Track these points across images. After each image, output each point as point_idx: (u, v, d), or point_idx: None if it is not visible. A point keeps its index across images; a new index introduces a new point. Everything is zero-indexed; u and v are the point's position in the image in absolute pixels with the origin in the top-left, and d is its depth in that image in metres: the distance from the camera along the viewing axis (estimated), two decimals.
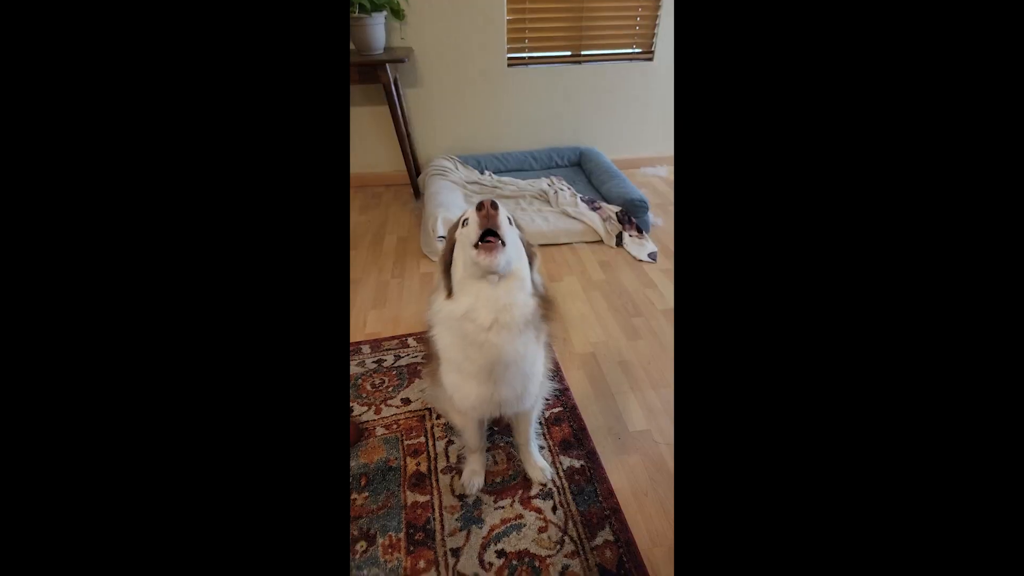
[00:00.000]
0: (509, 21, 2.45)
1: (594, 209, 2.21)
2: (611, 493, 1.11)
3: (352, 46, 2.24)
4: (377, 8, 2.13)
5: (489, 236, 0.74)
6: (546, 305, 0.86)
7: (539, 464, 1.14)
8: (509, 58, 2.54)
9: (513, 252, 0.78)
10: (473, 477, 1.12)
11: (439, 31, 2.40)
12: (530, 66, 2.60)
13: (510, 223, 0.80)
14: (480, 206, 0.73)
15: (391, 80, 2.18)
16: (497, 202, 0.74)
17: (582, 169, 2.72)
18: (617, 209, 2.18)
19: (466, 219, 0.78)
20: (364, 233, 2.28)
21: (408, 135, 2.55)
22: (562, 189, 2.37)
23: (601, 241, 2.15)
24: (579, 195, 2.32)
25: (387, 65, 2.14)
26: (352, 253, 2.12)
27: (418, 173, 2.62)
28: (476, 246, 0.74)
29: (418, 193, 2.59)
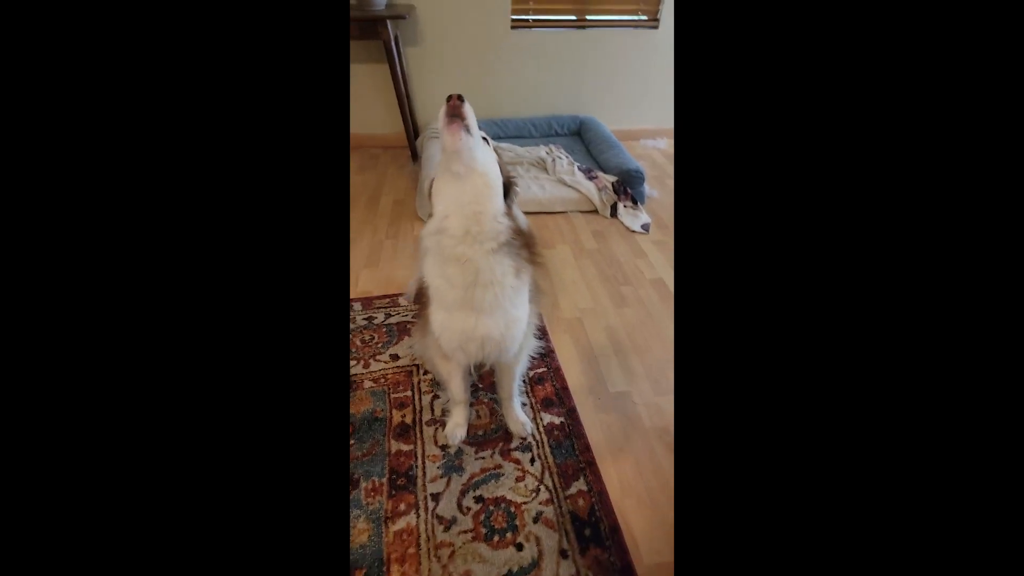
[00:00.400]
0: None
1: (591, 178, 2.20)
2: (587, 448, 1.16)
3: (352, 0, 2.17)
4: None
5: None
6: (525, 240, 0.88)
7: (520, 419, 1.18)
8: (513, 20, 2.47)
9: (481, 152, 0.81)
10: (456, 429, 1.16)
11: None
12: (534, 29, 2.53)
13: (486, 142, 0.84)
14: (449, 98, 0.77)
15: (392, 37, 2.12)
16: (464, 96, 0.77)
17: (581, 138, 2.68)
18: (613, 179, 2.17)
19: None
20: (360, 193, 2.27)
21: (408, 96, 2.50)
22: (560, 157, 2.34)
23: (596, 211, 2.15)
24: (576, 164, 2.30)
25: (388, 21, 2.08)
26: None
27: (416, 135, 2.58)
28: (444, 124, 0.77)
29: (416, 156, 2.56)
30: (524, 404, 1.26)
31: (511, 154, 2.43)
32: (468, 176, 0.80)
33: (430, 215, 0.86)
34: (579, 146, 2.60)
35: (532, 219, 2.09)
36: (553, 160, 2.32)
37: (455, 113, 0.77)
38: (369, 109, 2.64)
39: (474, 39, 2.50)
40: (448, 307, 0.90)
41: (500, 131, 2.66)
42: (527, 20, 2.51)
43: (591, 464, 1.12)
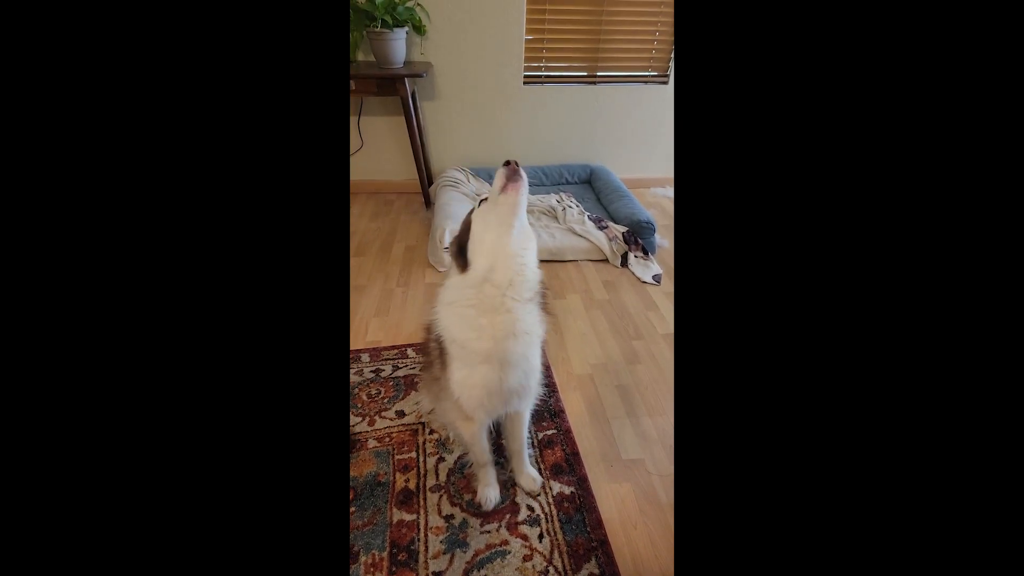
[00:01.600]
0: (528, 40, 2.48)
1: (601, 228, 2.21)
2: (599, 524, 1.09)
3: (373, 59, 2.29)
4: (399, 24, 2.17)
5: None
6: (544, 289, 0.92)
7: (531, 473, 1.16)
8: (525, 76, 2.57)
9: (525, 210, 0.86)
10: (488, 490, 1.12)
11: (458, 47, 2.44)
12: (546, 84, 2.63)
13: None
14: (507, 162, 0.83)
15: (408, 93, 2.21)
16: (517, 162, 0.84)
17: (591, 187, 2.72)
18: (624, 229, 2.18)
19: (485, 198, 0.87)
20: (373, 240, 2.30)
21: (423, 146, 2.58)
22: (570, 206, 2.37)
23: (606, 260, 2.15)
24: (587, 213, 2.32)
25: (406, 79, 2.18)
26: (359, 260, 2.14)
27: (430, 183, 2.64)
28: (502, 191, 0.81)
29: (429, 203, 2.61)
30: (531, 455, 1.21)
31: None
32: (518, 232, 0.84)
33: (463, 267, 0.87)
34: (590, 194, 2.64)
35: (543, 267, 2.08)
36: (564, 209, 2.34)
37: (515, 173, 0.82)
38: (386, 158, 2.73)
39: (488, 94, 2.60)
40: (472, 363, 0.90)
41: None
42: (539, 76, 2.62)
43: (603, 543, 1.05)
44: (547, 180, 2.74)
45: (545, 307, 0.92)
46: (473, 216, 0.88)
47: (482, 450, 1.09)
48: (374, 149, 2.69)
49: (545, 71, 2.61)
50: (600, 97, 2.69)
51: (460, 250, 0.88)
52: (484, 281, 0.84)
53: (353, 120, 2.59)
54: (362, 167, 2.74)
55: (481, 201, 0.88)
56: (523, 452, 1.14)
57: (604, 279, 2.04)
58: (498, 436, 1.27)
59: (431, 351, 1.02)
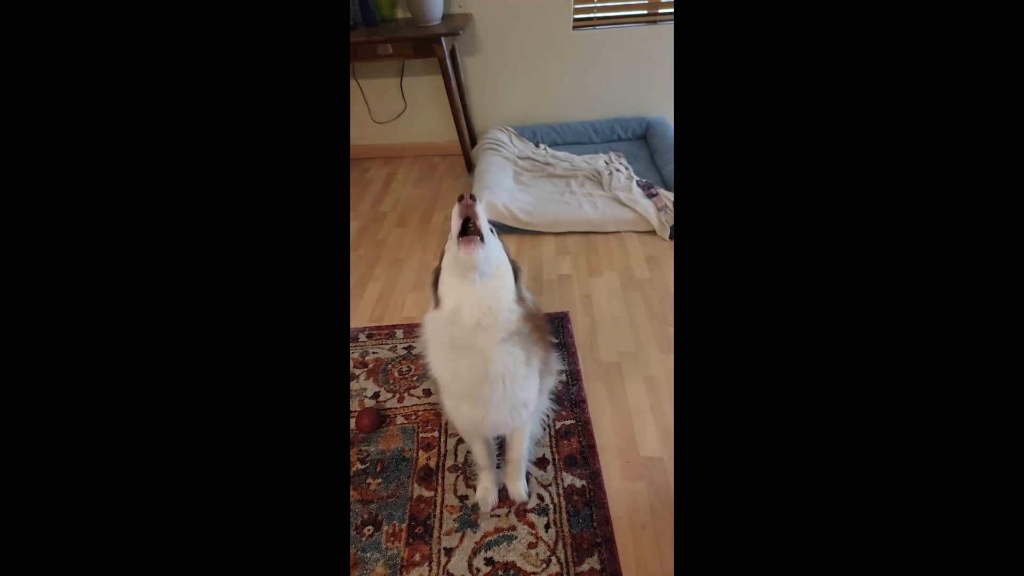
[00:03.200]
0: None
1: (650, 196, 2.03)
2: (607, 520, 1.10)
3: (409, 15, 2.17)
4: None
5: (469, 231, 0.77)
6: (535, 323, 0.86)
7: (519, 487, 1.14)
8: (576, 19, 2.31)
9: (494, 253, 0.80)
10: (487, 494, 1.15)
11: None
12: (599, 27, 2.35)
13: (492, 232, 0.82)
14: (460, 197, 0.76)
15: (446, 54, 2.10)
16: (475, 196, 0.79)
17: (647, 144, 2.48)
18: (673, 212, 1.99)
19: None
20: (415, 209, 2.32)
21: (464, 105, 2.49)
22: (618, 170, 2.19)
23: (653, 232, 1.99)
24: (635, 178, 2.14)
25: (443, 39, 2.06)
26: (401, 231, 2.18)
27: (473, 144, 2.57)
28: (459, 240, 0.76)
29: (471, 167, 2.55)
30: (547, 461, 1.23)
31: (566, 164, 2.33)
32: (483, 280, 0.79)
33: (436, 306, 0.84)
34: (644, 152, 2.41)
35: (581, 239, 2.00)
36: (610, 173, 2.18)
37: (468, 219, 0.76)
38: (429, 119, 2.67)
39: (534, 43, 2.39)
40: (456, 398, 0.91)
41: (558, 137, 2.55)
42: (591, 19, 2.34)
43: (608, 541, 1.07)
44: (597, 137, 2.54)
45: (539, 340, 0.86)
46: (446, 249, 0.83)
47: (480, 454, 1.12)
48: (417, 110, 2.64)
49: (599, 10, 2.33)
50: (661, 37, 2.36)
51: (435, 282, 0.85)
52: (451, 323, 0.80)
53: (395, 82, 2.54)
54: (405, 130, 2.71)
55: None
56: (520, 463, 1.14)
57: (648, 254, 1.91)
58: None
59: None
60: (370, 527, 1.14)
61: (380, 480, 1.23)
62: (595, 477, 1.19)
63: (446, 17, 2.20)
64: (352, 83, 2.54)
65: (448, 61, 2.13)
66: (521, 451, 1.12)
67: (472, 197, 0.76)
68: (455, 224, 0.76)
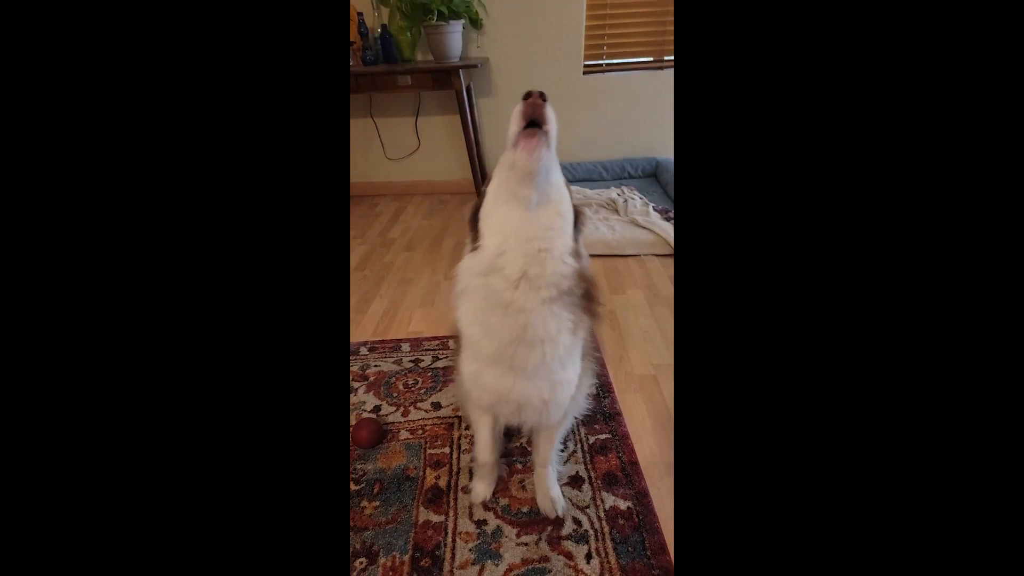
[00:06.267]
0: (588, 27, 2.37)
1: (668, 219, 1.99)
2: (663, 548, 0.88)
3: (430, 57, 2.29)
4: (455, 16, 2.16)
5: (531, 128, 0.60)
6: (588, 287, 0.70)
7: (552, 494, 0.95)
8: (585, 65, 2.45)
9: (556, 176, 0.65)
10: (478, 484, 0.98)
11: (515, 39, 2.38)
12: (608, 73, 2.48)
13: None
14: (527, 95, 0.60)
15: (464, 86, 2.18)
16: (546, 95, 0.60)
17: (657, 180, 2.51)
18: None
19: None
20: (424, 236, 2.27)
21: (477, 142, 2.54)
22: (633, 198, 2.18)
23: (673, 254, 1.91)
24: (651, 204, 2.11)
25: (460, 71, 2.15)
26: (409, 254, 2.10)
27: (484, 180, 2.58)
28: (520, 135, 0.60)
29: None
30: (582, 480, 1.02)
31: (579, 196, 2.31)
32: (539, 205, 0.63)
33: (474, 248, 0.70)
34: (655, 188, 2.42)
35: (600, 262, 1.91)
36: (625, 200, 2.15)
37: (536, 118, 0.60)
38: (441, 158, 2.72)
39: (546, 86, 2.48)
40: (482, 360, 0.74)
41: (569, 175, 2.55)
42: (600, 65, 2.48)
43: (668, 574, 0.84)
44: (608, 175, 2.57)
45: (587, 308, 0.71)
46: (493, 172, 0.70)
47: (484, 445, 0.93)
48: (431, 149, 2.70)
49: (606, 58, 2.47)
50: (668, 83, 2.48)
51: (474, 217, 0.71)
52: (492, 270, 0.65)
53: (410, 121, 2.62)
54: (418, 167, 2.75)
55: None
56: (547, 468, 0.96)
57: (671, 273, 1.81)
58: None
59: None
60: (363, 559, 0.90)
61: (377, 503, 1.00)
62: (642, 498, 0.97)
63: (463, 57, 2.32)
64: (368, 121, 2.62)
65: (464, 96, 2.20)
66: (547, 455, 0.93)
67: (542, 95, 0.60)
68: (514, 126, 0.61)
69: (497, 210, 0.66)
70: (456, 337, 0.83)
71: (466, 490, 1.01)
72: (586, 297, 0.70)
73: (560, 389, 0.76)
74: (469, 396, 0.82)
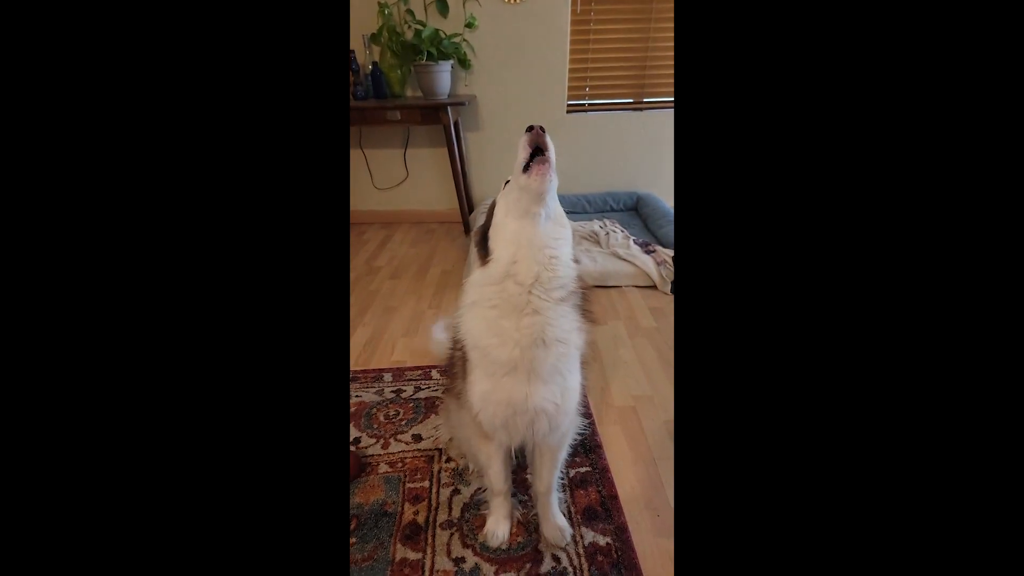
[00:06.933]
0: (571, 70, 2.49)
1: (648, 252, 2.05)
2: None
3: (420, 94, 2.37)
4: (444, 56, 2.26)
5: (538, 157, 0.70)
6: (584, 291, 0.77)
7: (558, 523, 0.96)
8: (569, 104, 2.56)
9: (555, 204, 0.74)
10: (497, 526, 0.96)
11: (502, 79, 2.49)
12: (590, 112, 2.60)
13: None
14: (530, 128, 0.70)
15: (451, 121, 2.25)
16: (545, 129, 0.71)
17: (638, 214, 2.59)
18: (674, 253, 2.00)
19: (508, 181, 0.76)
20: (410, 264, 2.28)
21: (464, 174, 2.60)
22: (614, 231, 2.24)
23: (654, 286, 1.97)
24: (632, 237, 2.18)
25: (448, 107, 2.22)
26: (394, 282, 2.11)
27: (471, 210, 2.64)
28: (525, 170, 0.68)
29: (468, 229, 2.59)
30: (562, 499, 1.02)
31: None
32: (547, 219, 0.72)
33: (484, 257, 0.75)
34: (636, 221, 2.50)
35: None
36: (607, 233, 2.22)
37: (540, 146, 0.69)
38: (429, 189, 2.78)
39: (531, 123, 2.60)
40: (495, 373, 0.77)
41: None
42: (583, 104, 2.60)
43: None
44: (591, 208, 2.65)
45: (585, 312, 0.77)
46: (498, 198, 0.77)
47: (497, 475, 0.94)
48: (419, 179, 2.75)
49: (588, 98, 2.59)
50: (647, 123, 2.61)
51: (483, 238, 0.77)
52: (506, 277, 0.72)
53: (399, 152, 2.68)
54: (406, 197, 2.80)
55: (507, 182, 0.77)
56: (551, 496, 0.96)
57: (651, 306, 1.86)
58: (521, 468, 1.11)
59: (455, 362, 0.90)
60: None
61: (354, 539, 0.98)
62: (621, 533, 0.97)
63: (452, 95, 2.41)
64: (357, 152, 2.67)
65: (452, 130, 2.28)
66: (551, 480, 0.94)
67: (542, 128, 0.70)
68: (522, 155, 0.70)
69: (509, 226, 0.72)
70: (442, 367, 0.84)
71: (455, 527, 1.00)
72: (585, 300, 0.78)
73: (569, 396, 0.80)
74: (478, 421, 0.83)
